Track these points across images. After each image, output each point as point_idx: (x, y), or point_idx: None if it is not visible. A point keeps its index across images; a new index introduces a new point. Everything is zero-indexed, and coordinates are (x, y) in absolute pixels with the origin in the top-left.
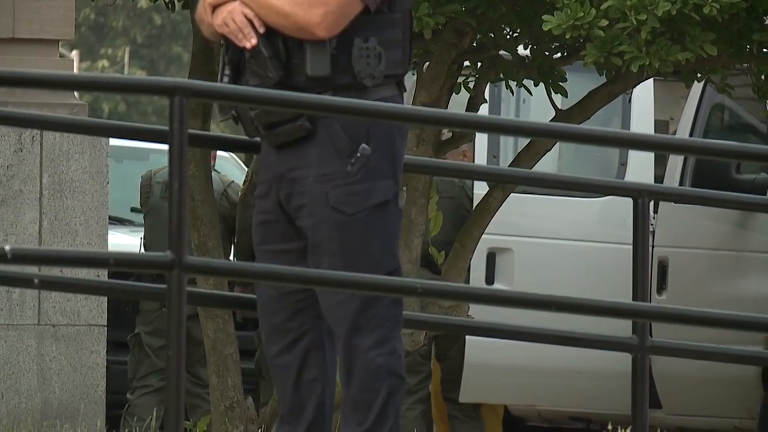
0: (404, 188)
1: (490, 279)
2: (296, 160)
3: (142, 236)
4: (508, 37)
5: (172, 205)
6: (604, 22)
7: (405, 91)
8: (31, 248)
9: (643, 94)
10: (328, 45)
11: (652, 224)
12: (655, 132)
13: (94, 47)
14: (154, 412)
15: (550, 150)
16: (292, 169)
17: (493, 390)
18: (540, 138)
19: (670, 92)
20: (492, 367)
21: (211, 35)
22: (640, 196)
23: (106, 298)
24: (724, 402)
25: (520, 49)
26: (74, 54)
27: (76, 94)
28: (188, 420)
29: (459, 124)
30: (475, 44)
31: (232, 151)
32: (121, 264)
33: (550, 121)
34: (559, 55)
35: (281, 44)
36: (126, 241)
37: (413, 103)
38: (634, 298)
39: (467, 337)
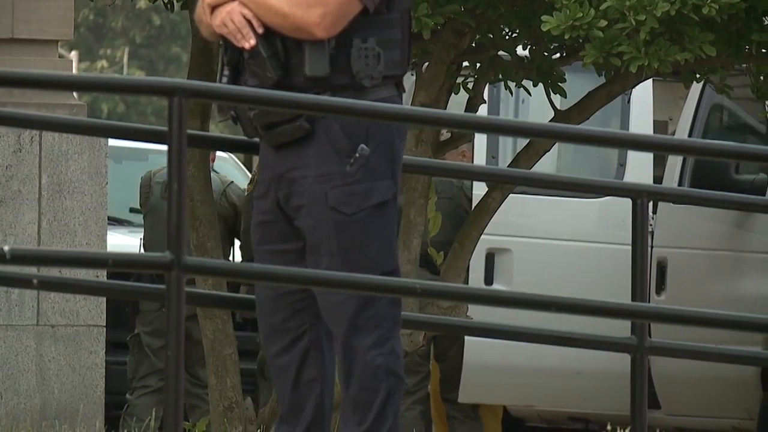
0: (404, 189)
1: (489, 279)
2: (295, 160)
3: (142, 236)
4: (507, 37)
5: (171, 206)
6: (603, 23)
7: (404, 91)
8: (30, 249)
9: (642, 95)
10: (326, 45)
11: (651, 225)
12: (654, 132)
13: (93, 48)
14: (153, 413)
15: (549, 150)
16: (291, 169)
17: (492, 390)
18: (539, 138)
19: (669, 93)
20: (491, 367)
21: (210, 36)
22: (639, 196)
23: (104, 299)
24: (722, 402)
25: (519, 50)
26: (73, 54)
27: (75, 94)
28: (187, 420)
29: (458, 125)
30: (474, 45)
31: (231, 152)
32: (119, 264)
33: (549, 121)
34: (558, 55)
35: (280, 44)
36: (125, 241)
37: (412, 104)
38: (633, 299)
39: (466, 337)
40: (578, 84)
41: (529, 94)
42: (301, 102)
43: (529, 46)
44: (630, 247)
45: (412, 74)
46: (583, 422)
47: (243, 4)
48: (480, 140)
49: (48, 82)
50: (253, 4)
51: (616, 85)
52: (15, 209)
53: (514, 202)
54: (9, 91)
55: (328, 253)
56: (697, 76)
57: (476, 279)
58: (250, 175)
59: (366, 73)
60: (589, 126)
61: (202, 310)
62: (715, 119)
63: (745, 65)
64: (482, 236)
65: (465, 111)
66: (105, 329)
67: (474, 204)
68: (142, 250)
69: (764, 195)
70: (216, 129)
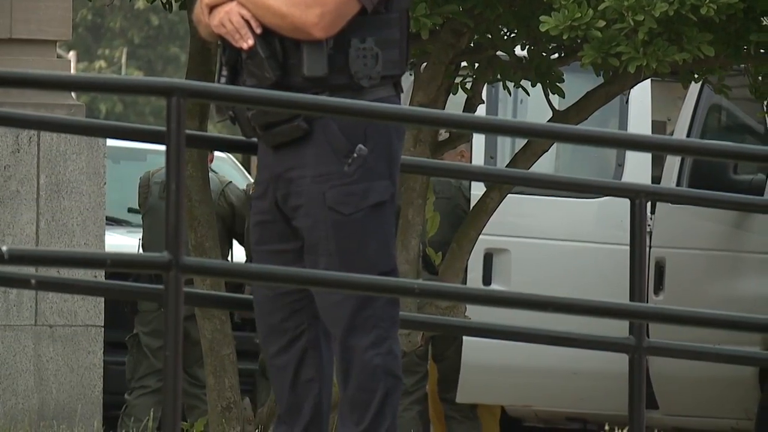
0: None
1: (487, 279)
2: (293, 160)
3: (140, 237)
4: (505, 37)
5: (169, 206)
6: (602, 23)
7: (402, 91)
8: (28, 249)
9: (641, 95)
10: (324, 45)
11: (649, 225)
12: (652, 133)
13: (92, 48)
14: (152, 413)
15: (547, 151)
16: (289, 169)
17: (490, 390)
18: (537, 138)
19: (668, 93)
20: (489, 367)
21: (209, 36)
22: (638, 196)
23: (103, 299)
24: (721, 402)
25: (518, 50)
26: (71, 54)
27: (73, 94)
28: (185, 420)
29: (456, 125)
30: (472, 45)
31: (229, 152)
32: (117, 264)
33: (548, 121)
34: (556, 55)
35: (278, 45)
36: (123, 241)
37: (410, 104)
38: (631, 299)
39: (464, 337)
40: (576, 84)
41: (528, 95)
42: (299, 102)
43: (527, 47)
44: (628, 248)
45: (410, 74)
46: (581, 422)
47: (241, 5)
48: (478, 140)
49: (46, 82)
50: (252, 5)
51: (615, 86)
52: (13, 209)
53: (513, 202)
54: (7, 91)
55: (326, 253)
56: (696, 76)
57: (474, 279)
58: (248, 176)
59: (364, 73)
60: (587, 126)
61: (201, 310)
62: (714, 119)
63: (743, 65)
64: (480, 236)
65: (463, 111)
66: (103, 329)
67: (472, 204)
68: (141, 250)
69: (762, 195)
70: (214, 129)
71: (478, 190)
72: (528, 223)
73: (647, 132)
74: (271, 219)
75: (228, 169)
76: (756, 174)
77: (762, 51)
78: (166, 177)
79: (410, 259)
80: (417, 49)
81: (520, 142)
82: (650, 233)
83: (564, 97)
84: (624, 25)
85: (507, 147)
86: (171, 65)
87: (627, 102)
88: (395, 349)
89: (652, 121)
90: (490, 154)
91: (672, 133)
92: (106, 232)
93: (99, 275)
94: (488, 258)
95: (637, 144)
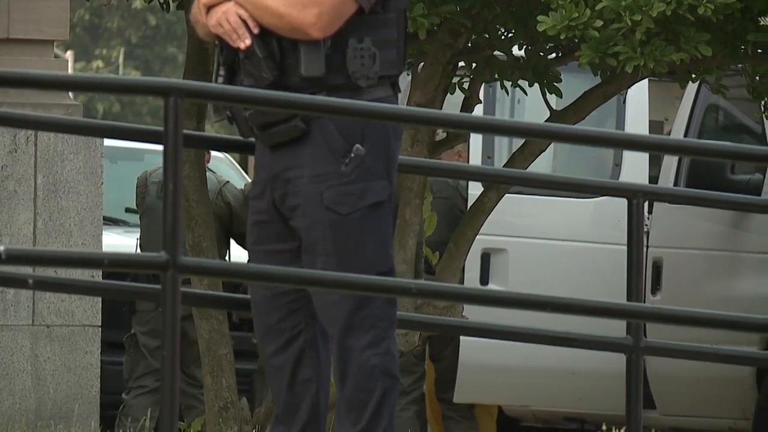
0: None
1: (484, 279)
2: (291, 160)
3: (138, 237)
4: (502, 37)
5: (166, 206)
6: (599, 23)
7: (400, 91)
8: (26, 249)
9: (638, 95)
10: (322, 45)
11: (646, 225)
12: (649, 132)
13: (89, 48)
14: (149, 413)
15: (544, 150)
16: (287, 169)
17: (487, 390)
18: (535, 138)
19: (665, 93)
20: (486, 367)
21: (206, 36)
22: (635, 196)
23: (100, 299)
24: (718, 402)
25: (515, 50)
26: (69, 54)
27: (70, 94)
28: (183, 420)
29: (454, 125)
30: (469, 45)
31: (226, 152)
32: (115, 264)
33: (545, 121)
34: (553, 55)
35: (276, 45)
36: (120, 241)
37: (408, 104)
38: (629, 299)
39: (461, 337)
40: (574, 84)
41: (525, 94)
42: (296, 102)
43: (524, 46)
44: (625, 247)
45: (407, 74)
46: (579, 422)
47: (239, 5)
48: (476, 140)
49: (44, 82)
50: (249, 5)
51: (612, 85)
52: (10, 209)
53: (510, 202)
54: (5, 91)
55: (323, 253)
56: (693, 76)
57: (472, 279)
58: (245, 175)
59: (362, 73)
60: (584, 126)
61: (198, 310)
62: (711, 119)
63: (740, 65)
64: (478, 236)
65: (461, 111)
66: (100, 329)
67: (469, 204)
68: (139, 250)
69: (760, 195)
70: (212, 129)
71: (475, 189)
72: (525, 223)
73: (644, 132)
74: (269, 219)
75: (225, 169)
76: (753, 174)
77: (759, 51)
78: (164, 177)
79: (407, 259)
80: (414, 49)
81: (518, 142)
82: (647, 233)
83: (561, 97)
84: (621, 24)
85: (504, 147)
86: (168, 65)
87: (624, 102)
88: (393, 349)
89: (650, 120)
90: (488, 154)
91: (669, 133)
92: (104, 232)
93: (96, 275)
94: (485, 258)
95: (635, 144)
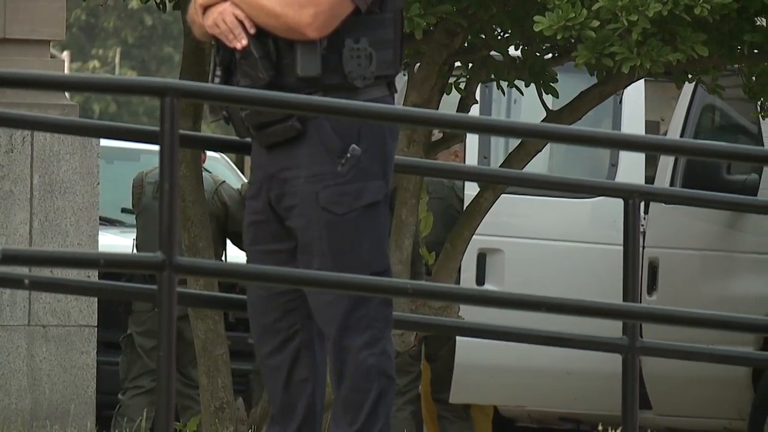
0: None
1: (480, 280)
2: (287, 160)
3: (135, 237)
4: (499, 37)
5: (162, 206)
6: (596, 23)
7: (396, 91)
8: (22, 249)
9: (634, 95)
10: (318, 45)
11: (642, 225)
12: (646, 133)
13: (85, 48)
14: (145, 413)
15: (541, 151)
16: (283, 169)
17: (483, 391)
18: (531, 139)
19: (661, 93)
20: (482, 367)
21: (202, 36)
22: (631, 196)
23: (96, 299)
24: (714, 403)
25: (511, 50)
26: (65, 54)
27: (67, 94)
28: (179, 421)
29: (450, 125)
30: (466, 45)
31: (222, 152)
32: (111, 265)
33: (541, 121)
34: (550, 55)
35: (272, 45)
36: (116, 241)
37: (404, 104)
38: (625, 299)
39: (457, 337)
40: (570, 84)
41: (521, 94)
42: (292, 102)
43: (521, 47)
44: (622, 248)
45: (404, 74)
46: (574, 422)
47: (235, 5)
48: (472, 140)
49: (40, 82)
50: (245, 5)
51: (608, 86)
52: (6, 209)
53: (506, 202)
54: (1, 91)
55: (319, 253)
56: (689, 76)
57: (468, 279)
58: (242, 176)
59: (358, 73)
60: (580, 126)
61: (194, 311)
62: (707, 119)
63: (737, 65)
64: (474, 236)
65: (457, 111)
66: (96, 329)
67: (466, 204)
68: (135, 251)
69: (756, 195)
70: (208, 129)
71: (471, 190)
72: (521, 223)
73: (641, 132)
74: (265, 219)
75: (221, 169)
76: (749, 174)
77: (755, 51)
78: (160, 177)
79: (403, 260)
80: (411, 49)
81: (514, 142)
82: (644, 233)
83: (558, 97)
84: (618, 25)
85: (500, 147)
86: (165, 65)
87: (621, 102)
88: (389, 350)
89: (646, 121)
90: (484, 154)
91: (665, 133)
92: (100, 233)
93: (92, 275)
94: (481, 258)
95: (631, 144)
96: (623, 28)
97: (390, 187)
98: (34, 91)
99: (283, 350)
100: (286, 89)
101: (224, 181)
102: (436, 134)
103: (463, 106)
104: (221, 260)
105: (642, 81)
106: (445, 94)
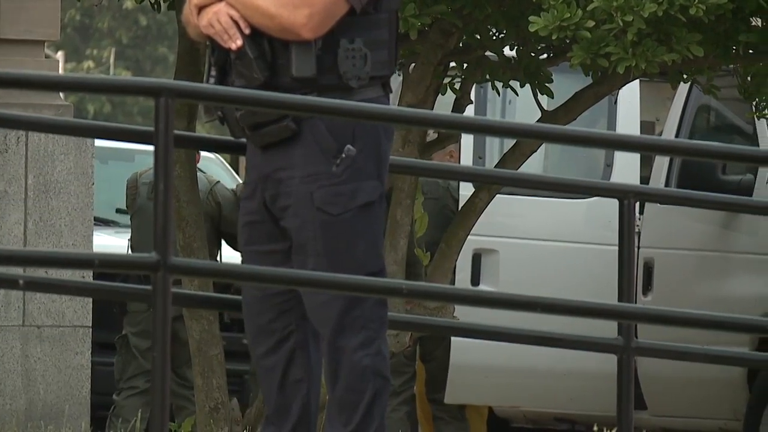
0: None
1: (475, 280)
2: (281, 160)
3: (129, 237)
4: (494, 38)
5: (157, 206)
6: (591, 24)
7: (391, 92)
8: (16, 249)
9: (629, 95)
10: (313, 46)
11: (637, 225)
12: (641, 133)
13: (80, 48)
14: (140, 414)
15: (536, 151)
16: (278, 169)
17: (477, 391)
18: (526, 139)
19: (657, 93)
20: (477, 368)
21: (197, 36)
22: (626, 197)
23: (91, 300)
24: (709, 403)
25: (507, 50)
26: (60, 55)
27: (61, 94)
28: (173, 421)
29: (445, 125)
30: (461, 45)
31: (217, 152)
32: (105, 265)
33: (536, 122)
34: (545, 56)
35: (267, 45)
36: (111, 242)
37: (399, 104)
38: (620, 300)
39: (452, 338)
40: (565, 84)
41: (516, 95)
42: (287, 102)
43: (516, 47)
44: (617, 248)
45: (399, 75)
46: (569, 423)
47: (230, 5)
48: (467, 141)
49: (34, 82)
50: (240, 5)
51: (604, 86)
52: (1, 210)
53: (501, 202)
54: None
55: (314, 254)
56: (685, 76)
57: (463, 279)
58: (236, 176)
59: (353, 73)
60: (576, 126)
61: (189, 311)
62: (702, 120)
63: (732, 66)
64: (469, 237)
65: (452, 111)
66: (91, 330)
67: (461, 204)
68: (130, 251)
69: (751, 195)
70: (203, 129)
71: (466, 190)
72: (517, 223)
73: (636, 132)
74: (260, 219)
75: (216, 170)
76: (744, 174)
77: (751, 51)
78: (155, 177)
79: (398, 260)
80: (406, 50)
81: (509, 143)
82: (639, 234)
83: (553, 98)
84: (613, 25)
85: (496, 147)
86: (159, 65)
87: (616, 102)
88: (384, 350)
89: (641, 121)
90: (479, 154)
91: (661, 134)
92: (94, 233)
93: (87, 276)
94: (477, 258)
95: (626, 144)
96: (618, 29)
97: (385, 188)
98: (28, 91)
99: (278, 351)
100: (281, 89)
101: (219, 182)
102: (431, 134)
103: (458, 106)
104: (216, 261)
105: (637, 81)
106: (440, 95)
